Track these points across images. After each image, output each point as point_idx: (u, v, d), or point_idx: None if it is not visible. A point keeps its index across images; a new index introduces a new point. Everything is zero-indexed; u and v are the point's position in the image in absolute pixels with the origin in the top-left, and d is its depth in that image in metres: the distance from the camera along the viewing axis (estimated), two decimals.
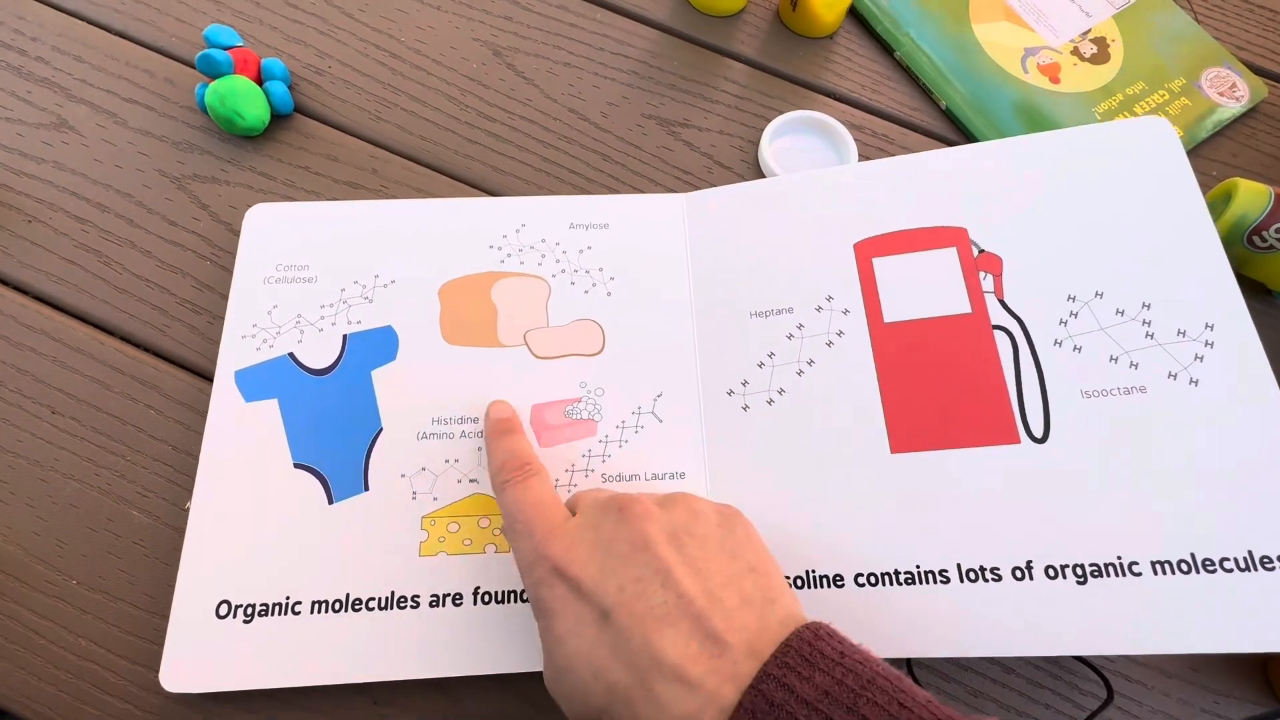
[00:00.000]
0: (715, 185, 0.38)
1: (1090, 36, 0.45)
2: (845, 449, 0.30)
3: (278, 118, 0.39)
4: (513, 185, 0.39)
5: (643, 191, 0.38)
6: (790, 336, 0.32)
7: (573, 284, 0.35)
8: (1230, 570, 0.25)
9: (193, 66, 0.40)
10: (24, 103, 0.38)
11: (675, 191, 0.39)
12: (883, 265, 0.33)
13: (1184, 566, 0.26)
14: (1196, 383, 0.28)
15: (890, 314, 0.32)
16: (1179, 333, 0.29)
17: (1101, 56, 0.44)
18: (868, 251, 0.33)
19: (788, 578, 0.28)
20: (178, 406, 0.33)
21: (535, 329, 0.34)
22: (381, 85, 0.41)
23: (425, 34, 0.42)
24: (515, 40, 0.43)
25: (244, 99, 0.37)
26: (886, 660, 0.21)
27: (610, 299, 0.34)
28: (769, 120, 0.40)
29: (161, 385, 0.33)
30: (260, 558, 0.29)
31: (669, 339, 0.34)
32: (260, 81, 0.38)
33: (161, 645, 0.27)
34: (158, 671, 0.27)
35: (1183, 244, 0.30)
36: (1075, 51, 0.44)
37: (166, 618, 0.28)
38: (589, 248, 0.35)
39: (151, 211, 0.36)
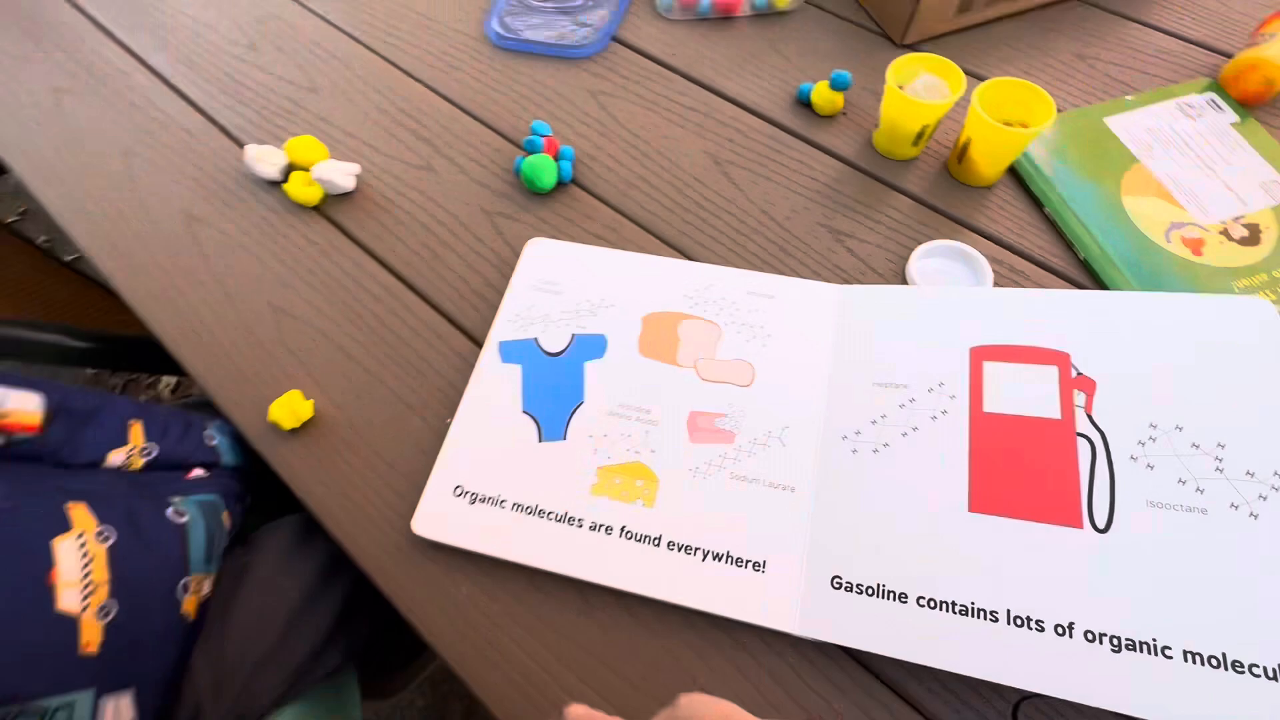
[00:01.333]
0: (866, 285, 0.49)
1: (1243, 221, 0.50)
2: (930, 498, 0.38)
3: (561, 184, 0.56)
4: (709, 256, 0.52)
5: (806, 279, 0.49)
6: (902, 406, 0.41)
7: (738, 333, 0.46)
8: (1258, 676, 0.29)
9: (516, 143, 0.58)
10: (409, 150, 0.59)
11: (832, 284, 0.49)
12: (991, 368, 0.41)
13: (1214, 662, 0.30)
14: (1256, 516, 0.32)
15: (990, 405, 0.39)
16: (1248, 473, 0.33)
17: (1252, 240, 0.49)
18: (981, 355, 0.41)
19: (860, 584, 0.36)
20: (456, 356, 0.48)
21: (705, 359, 0.45)
22: (631, 173, 0.57)
23: (668, 142, 0.58)
24: (732, 155, 0.57)
25: (544, 170, 0.54)
26: (913, 661, 0.27)
27: (765, 349, 0.45)
28: (921, 244, 0.50)
29: (450, 340, 0.49)
30: (487, 463, 0.43)
31: (804, 387, 0.44)
32: (556, 159, 0.56)
33: (416, 504, 0.41)
34: (410, 519, 0.41)
35: (1263, 404, 0.35)
36: (1224, 232, 0.49)
37: (422, 488, 0.42)
38: (757, 310, 0.47)
39: (469, 231, 0.54)
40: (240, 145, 0.60)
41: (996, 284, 0.48)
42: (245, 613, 0.43)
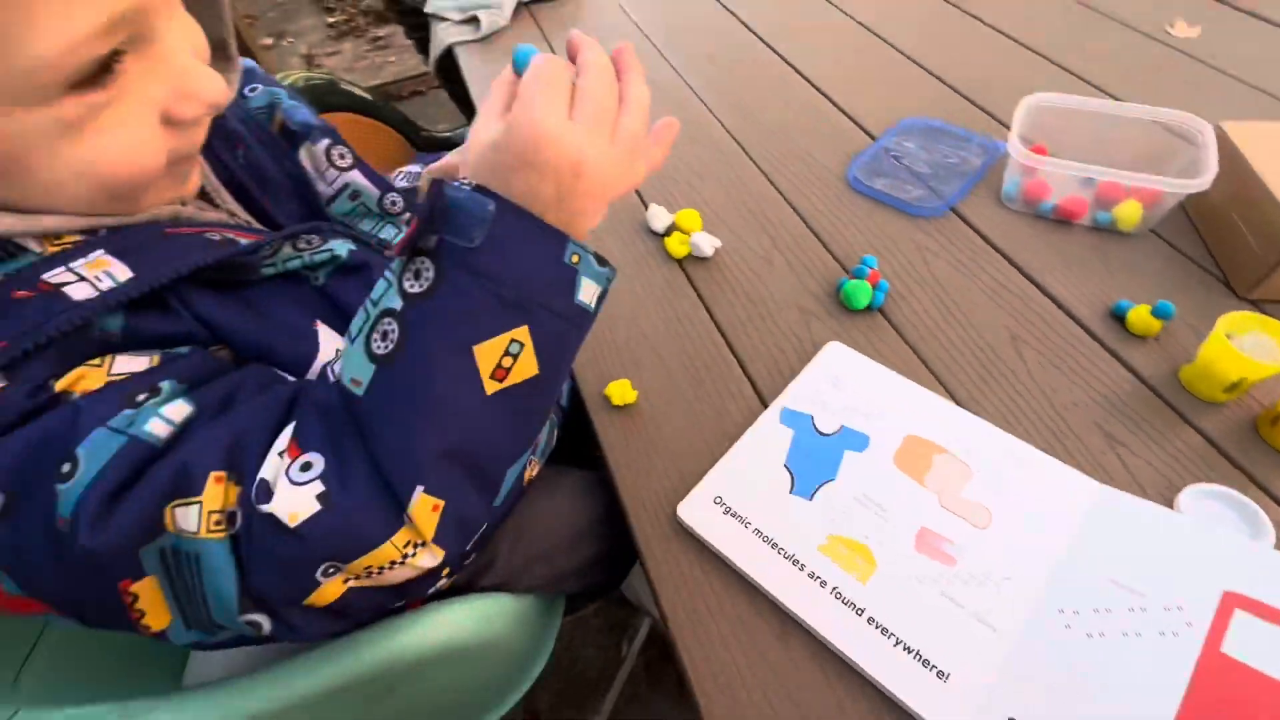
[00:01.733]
0: (1131, 495, 0.52)
1: None
2: (1130, 706, 0.40)
3: (870, 308, 0.68)
4: (980, 412, 0.59)
5: (1065, 464, 0.54)
6: (1131, 610, 0.44)
7: (986, 483, 0.53)
8: None
9: (844, 267, 0.72)
10: (758, 242, 0.76)
11: (1090, 479, 0.53)
12: (1243, 617, 0.42)
13: None
14: None
15: (1229, 648, 0.41)
16: None
17: None
18: (1235, 602, 0.43)
19: None
20: (745, 404, 0.61)
21: (949, 491, 0.53)
22: (931, 320, 0.66)
23: (973, 308, 0.67)
24: (1030, 337, 0.64)
25: (861, 293, 0.66)
26: None
27: (1008, 505, 0.51)
28: (1200, 482, 0.52)
29: (744, 391, 0.62)
30: (745, 489, 0.54)
31: (1036, 552, 0.48)
32: (874, 287, 0.68)
33: (684, 496, 0.54)
34: (677, 505, 0.54)
35: None
36: None
37: (693, 486, 0.55)
38: (1011, 471, 0.53)
39: (784, 316, 0.68)
40: (645, 203, 0.82)
41: (1277, 549, 0.48)
42: (547, 516, 0.59)
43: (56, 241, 0.30)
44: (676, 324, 0.69)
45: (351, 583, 0.30)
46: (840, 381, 0.61)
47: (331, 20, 3.25)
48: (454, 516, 0.30)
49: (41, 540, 0.27)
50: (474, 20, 1.16)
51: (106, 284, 0.29)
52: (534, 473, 0.58)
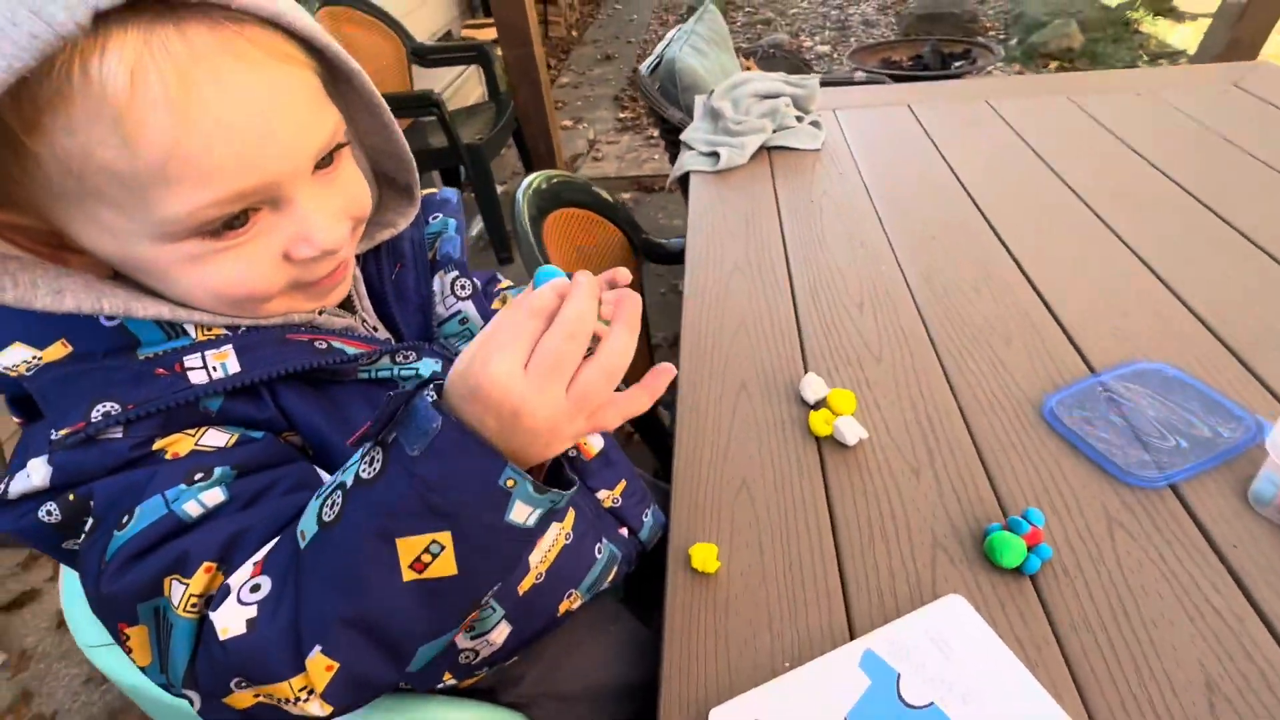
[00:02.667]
0: None
1: None
2: None
3: (1017, 571, 0.57)
4: None
5: None
6: None
7: None
8: None
9: (1002, 510, 0.62)
10: (911, 450, 0.69)
11: None
12: None
13: None
14: None
15: None
16: None
17: None
18: None
19: None
20: (827, 622, 0.55)
21: None
22: (1097, 617, 0.54)
23: (1162, 624, 0.53)
24: (1236, 693, 0.48)
25: (1012, 551, 0.57)
26: None
27: None
28: None
29: (834, 607, 0.56)
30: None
31: None
32: (1030, 549, 0.57)
33: (724, 700, 0.50)
34: (712, 705, 0.49)
35: None
36: None
37: (737, 691, 0.50)
38: None
39: (910, 541, 0.61)
40: (805, 368, 0.81)
41: None
42: (585, 658, 0.58)
43: (208, 331, 0.39)
44: (789, 506, 0.65)
45: (261, 699, 0.35)
46: (948, 647, 0.52)
47: (621, 115, 3.78)
48: (348, 677, 0.33)
49: (95, 566, 0.35)
50: (716, 154, 1.27)
51: (218, 374, 0.37)
52: (574, 605, 0.58)
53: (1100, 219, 1.04)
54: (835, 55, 4.41)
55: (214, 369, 0.37)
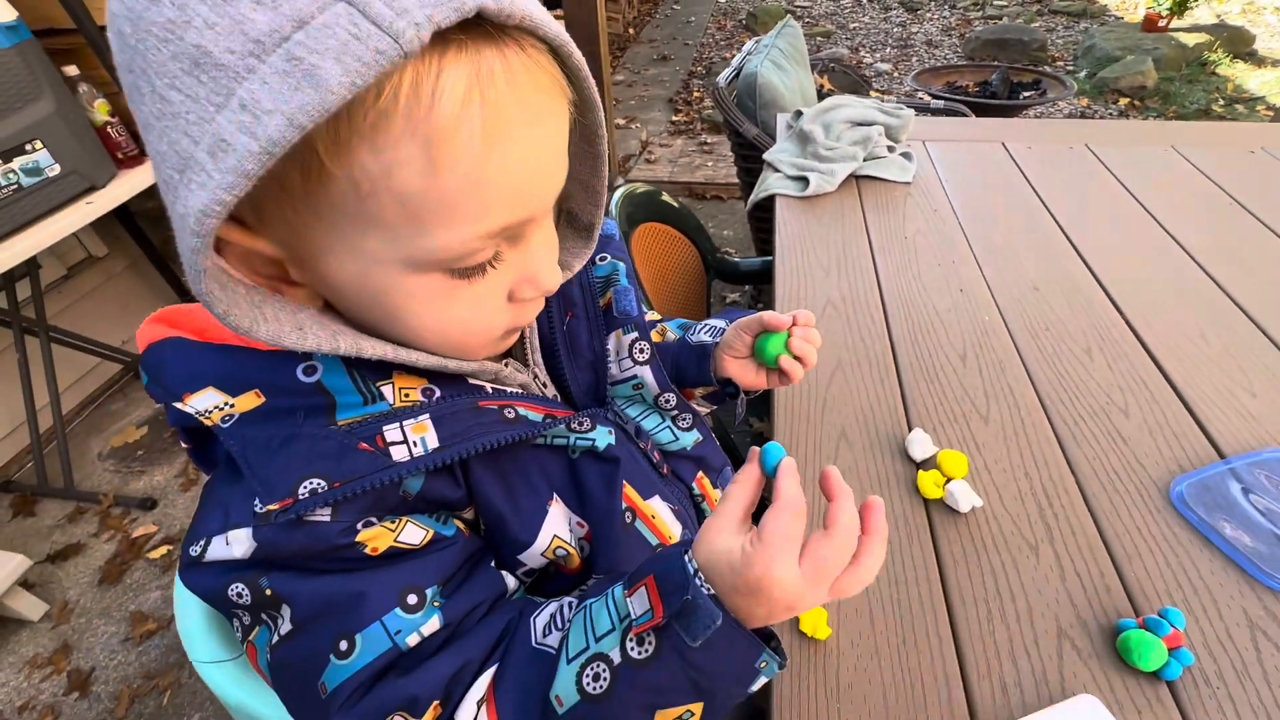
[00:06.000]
0: None
1: None
2: None
3: (1154, 676, 0.53)
4: None
5: None
6: None
7: None
8: None
9: (1136, 608, 0.59)
10: (1028, 522, 0.66)
11: None
12: None
13: None
14: None
15: None
16: None
17: None
18: None
19: None
20: (950, 707, 0.52)
21: None
22: None
23: None
24: None
25: (1150, 651, 0.53)
26: None
27: None
28: None
29: (954, 698, 0.53)
30: None
31: None
32: (1170, 651, 0.54)
33: None
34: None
35: None
36: None
37: None
38: None
39: (1033, 626, 0.57)
40: (908, 419, 0.77)
41: None
42: None
43: (405, 398, 0.37)
44: (899, 573, 0.62)
45: None
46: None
47: (674, 118, 3.75)
48: None
49: (296, 678, 0.34)
50: (804, 179, 1.24)
51: (419, 449, 0.35)
52: None
53: (1216, 283, 0.98)
54: (896, 74, 4.33)
55: (414, 444, 0.35)
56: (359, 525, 0.34)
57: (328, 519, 0.33)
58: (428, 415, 0.36)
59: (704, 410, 0.70)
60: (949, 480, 0.68)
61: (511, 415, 0.40)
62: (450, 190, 0.29)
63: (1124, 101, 3.80)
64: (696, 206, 3.01)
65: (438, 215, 0.29)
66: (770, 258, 1.09)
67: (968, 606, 0.59)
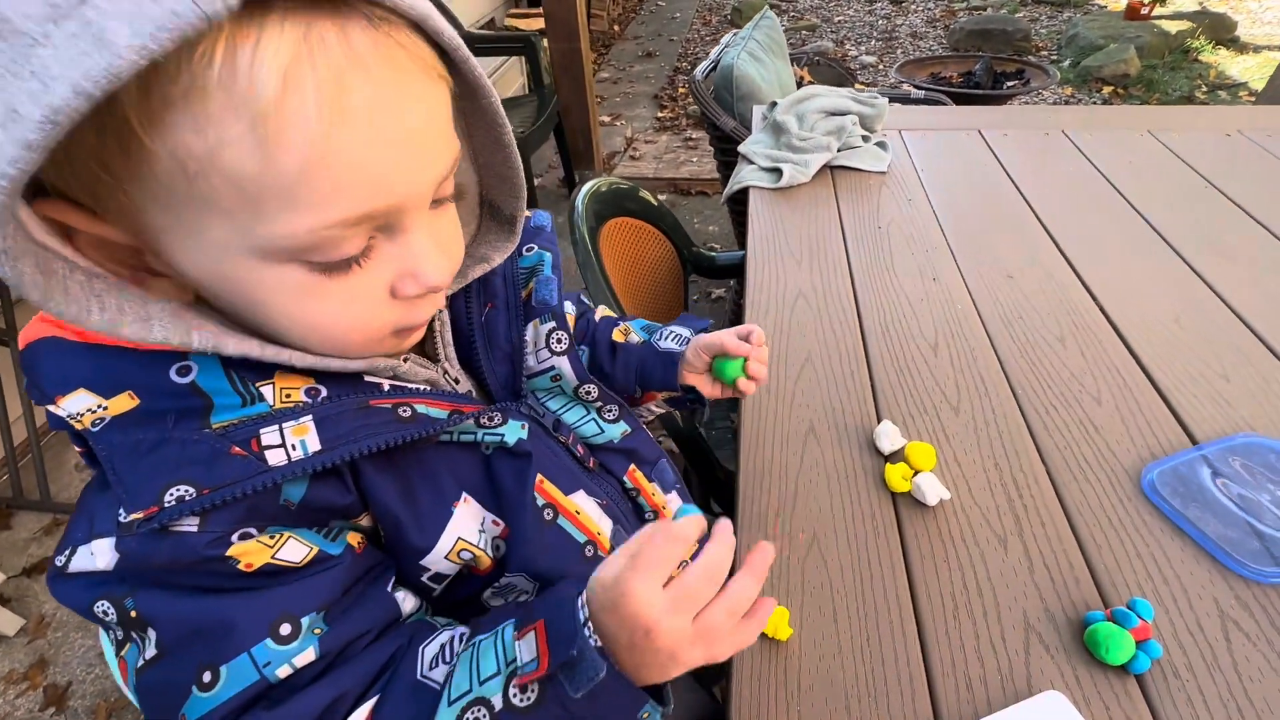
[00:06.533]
0: None
1: None
2: None
3: (1123, 669, 0.52)
4: None
5: None
6: None
7: None
8: None
9: (1103, 598, 0.57)
10: (997, 516, 0.64)
11: None
12: None
13: None
14: None
15: None
16: None
17: None
18: None
19: None
20: (916, 711, 0.50)
21: None
22: None
23: None
24: None
25: (1118, 646, 0.51)
26: None
27: None
28: None
29: (918, 693, 0.51)
30: None
31: None
32: (1138, 644, 0.52)
33: None
34: None
35: None
36: None
37: None
38: None
39: (1000, 623, 0.56)
40: (878, 412, 0.76)
41: None
42: None
43: (286, 399, 0.34)
44: (864, 569, 0.60)
45: None
46: None
47: (660, 115, 3.73)
48: None
49: (158, 705, 0.32)
50: (777, 171, 1.22)
51: (297, 453, 0.33)
52: None
53: (1192, 268, 0.97)
54: (881, 67, 4.31)
55: (293, 447, 0.33)
56: (232, 537, 0.32)
57: (195, 529, 0.31)
58: (310, 416, 0.34)
59: (661, 411, 0.68)
60: (916, 473, 0.66)
61: (407, 414, 0.38)
62: (288, 173, 0.27)
63: (1107, 90, 3.80)
64: (681, 202, 2.99)
65: (278, 200, 0.27)
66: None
67: (934, 602, 0.58)
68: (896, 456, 0.70)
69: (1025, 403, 0.76)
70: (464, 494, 0.41)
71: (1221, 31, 4.27)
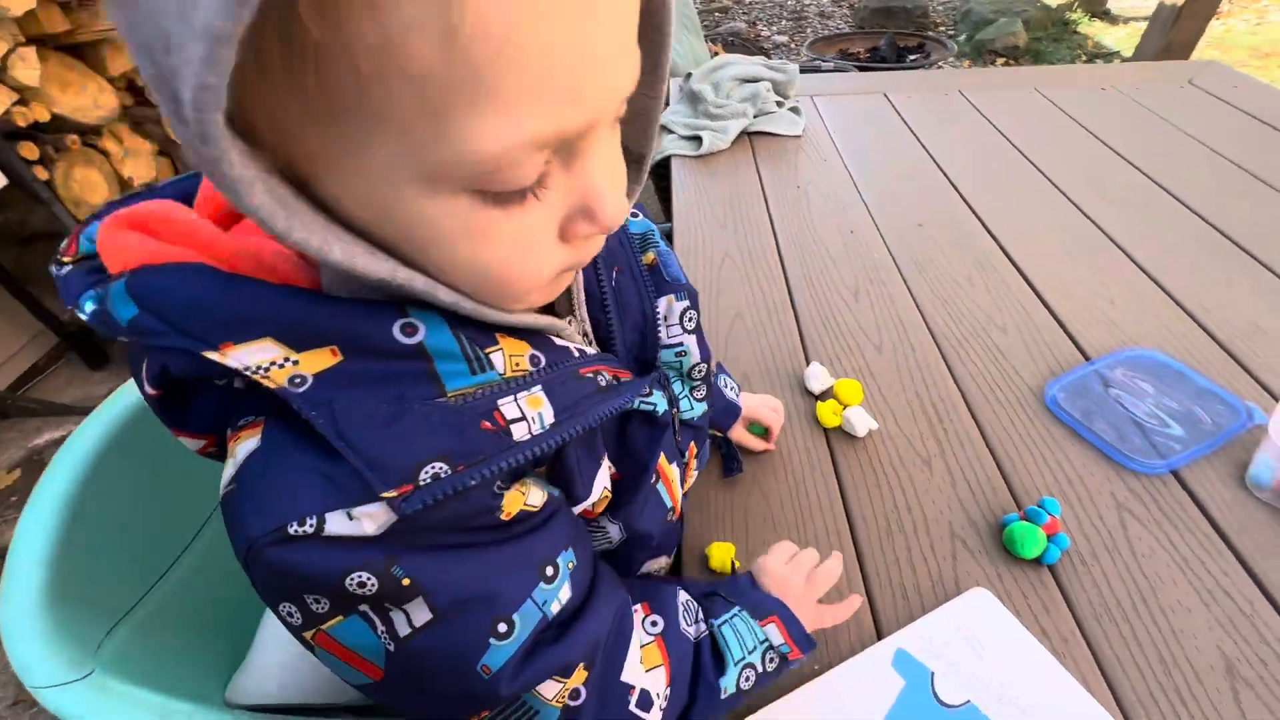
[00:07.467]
0: None
1: None
2: None
3: (1037, 562, 0.57)
4: None
5: None
6: None
7: None
8: None
9: (1017, 501, 0.62)
10: (921, 441, 0.68)
11: None
12: None
13: None
14: None
15: None
16: None
17: None
18: None
19: None
20: (855, 625, 0.53)
21: None
22: (1117, 605, 0.54)
23: (1179, 611, 0.53)
24: (1256, 678, 0.49)
25: (1032, 541, 0.56)
26: None
27: None
28: None
29: (859, 613, 0.54)
30: None
31: None
32: (1049, 539, 0.57)
33: (761, 708, 0.47)
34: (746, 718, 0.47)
35: None
36: None
37: (771, 699, 0.47)
38: None
39: (929, 535, 0.59)
40: (808, 358, 0.79)
41: None
42: None
43: (516, 368, 0.32)
44: (803, 501, 0.63)
45: None
46: (980, 643, 0.51)
47: None
48: None
49: (444, 664, 0.31)
50: (697, 138, 1.24)
51: (537, 427, 0.31)
52: None
53: (1078, 207, 1.06)
54: (793, 45, 4.43)
55: (533, 420, 0.31)
56: (500, 486, 0.32)
57: (475, 483, 0.29)
58: (540, 387, 0.32)
59: None
60: (846, 407, 0.70)
61: (603, 383, 0.36)
62: (478, 65, 0.22)
63: (1000, 61, 4.04)
64: None
65: (463, 103, 0.22)
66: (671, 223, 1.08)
67: (868, 524, 0.61)
68: (826, 395, 0.73)
69: (940, 337, 0.81)
70: (604, 456, 0.41)
71: (1095, 4, 4.61)
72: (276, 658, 0.57)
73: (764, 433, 0.68)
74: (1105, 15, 4.58)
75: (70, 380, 1.87)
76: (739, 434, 0.67)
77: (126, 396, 0.57)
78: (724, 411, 0.64)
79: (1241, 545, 0.58)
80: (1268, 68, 3.49)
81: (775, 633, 0.45)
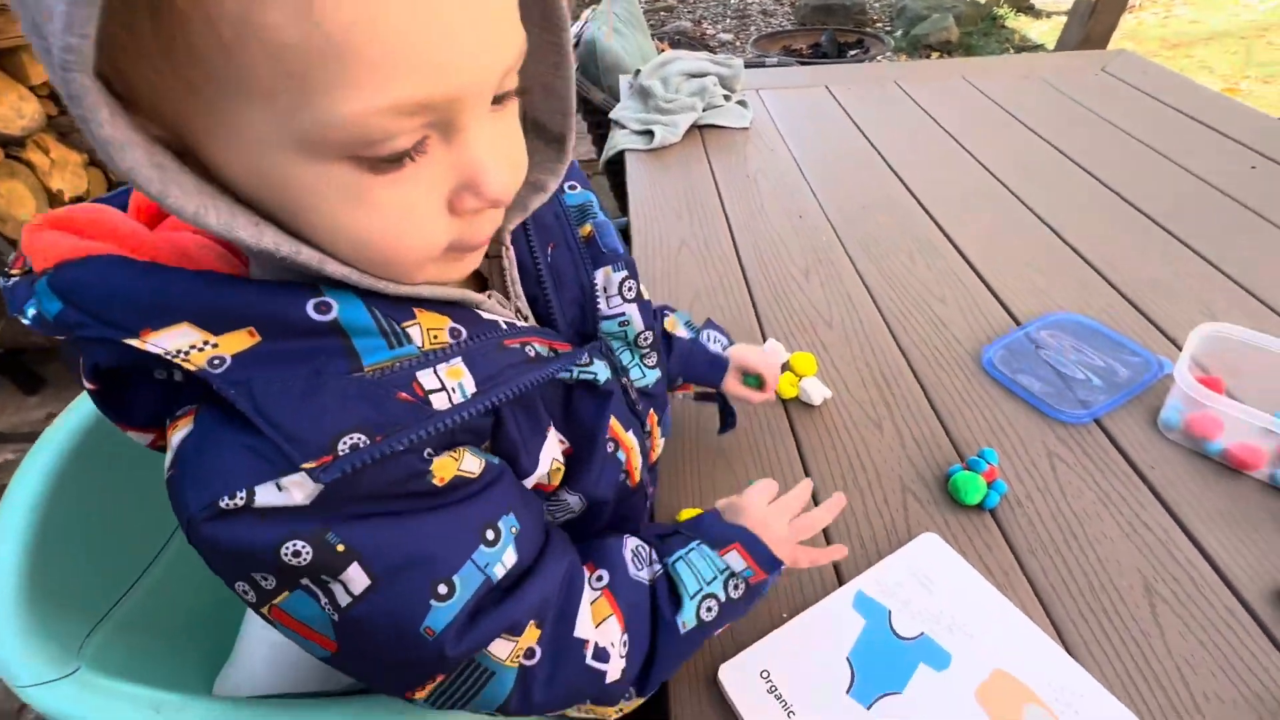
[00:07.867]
0: None
1: None
2: None
3: (979, 508, 0.62)
4: (1087, 660, 0.51)
5: None
6: None
7: None
8: None
9: (960, 454, 0.67)
10: (872, 406, 0.73)
11: None
12: None
13: None
14: None
15: None
16: None
17: None
18: None
19: None
20: (817, 575, 0.57)
21: None
22: (1049, 539, 0.59)
23: (1103, 541, 0.59)
24: (1171, 595, 0.55)
25: (973, 489, 0.61)
26: None
27: None
28: None
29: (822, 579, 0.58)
30: (796, 675, 0.49)
31: None
32: (989, 485, 0.62)
33: (732, 656, 0.50)
34: (720, 662, 0.50)
35: None
36: None
37: (745, 646, 0.51)
38: None
39: (882, 489, 0.64)
40: (764, 336, 0.83)
41: None
42: None
43: (434, 340, 0.32)
44: (766, 466, 0.67)
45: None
46: (930, 582, 0.55)
47: None
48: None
49: (387, 629, 0.32)
50: (649, 133, 1.27)
51: (458, 397, 0.32)
52: None
53: (1006, 186, 1.13)
54: (737, 43, 4.52)
55: (452, 390, 0.32)
56: (428, 452, 0.32)
57: (402, 450, 0.30)
58: (460, 358, 0.33)
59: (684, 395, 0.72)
60: (802, 379, 0.74)
61: (532, 353, 0.37)
62: (335, 37, 0.22)
63: (935, 55, 4.21)
64: None
65: (324, 75, 0.23)
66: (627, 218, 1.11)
67: (827, 484, 0.65)
68: (784, 368, 0.77)
69: (885, 310, 0.87)
70: (549, 425, 0.42)
71: (1021, 0, 4.86)
72: (263, 649, 0.58)
73: (759, 383, 0.66)
74: (1030, 10, 4.82)
75: (3, 407, 1.78)
76: (734, 387, 0.66)
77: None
78: (710, 365, 0.65)
79: (1155, 481, 0.64)
80: (1175, 57, 3.74)
81: (736, 558, 0.45)
